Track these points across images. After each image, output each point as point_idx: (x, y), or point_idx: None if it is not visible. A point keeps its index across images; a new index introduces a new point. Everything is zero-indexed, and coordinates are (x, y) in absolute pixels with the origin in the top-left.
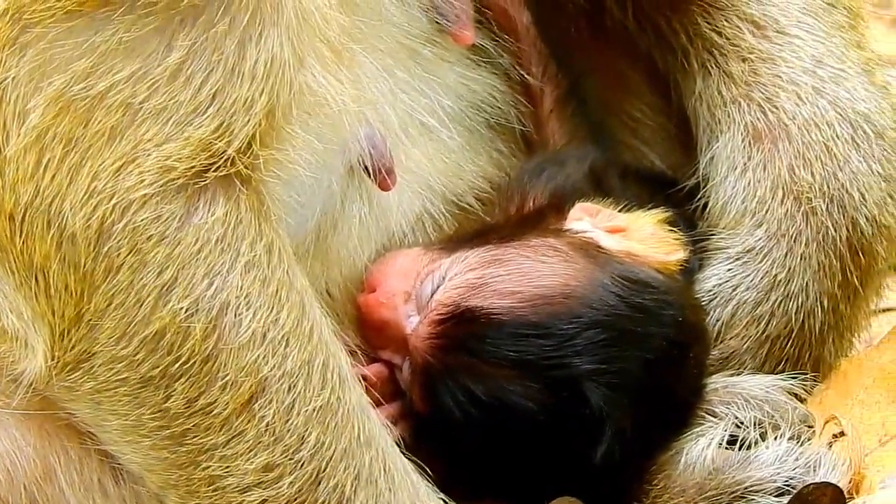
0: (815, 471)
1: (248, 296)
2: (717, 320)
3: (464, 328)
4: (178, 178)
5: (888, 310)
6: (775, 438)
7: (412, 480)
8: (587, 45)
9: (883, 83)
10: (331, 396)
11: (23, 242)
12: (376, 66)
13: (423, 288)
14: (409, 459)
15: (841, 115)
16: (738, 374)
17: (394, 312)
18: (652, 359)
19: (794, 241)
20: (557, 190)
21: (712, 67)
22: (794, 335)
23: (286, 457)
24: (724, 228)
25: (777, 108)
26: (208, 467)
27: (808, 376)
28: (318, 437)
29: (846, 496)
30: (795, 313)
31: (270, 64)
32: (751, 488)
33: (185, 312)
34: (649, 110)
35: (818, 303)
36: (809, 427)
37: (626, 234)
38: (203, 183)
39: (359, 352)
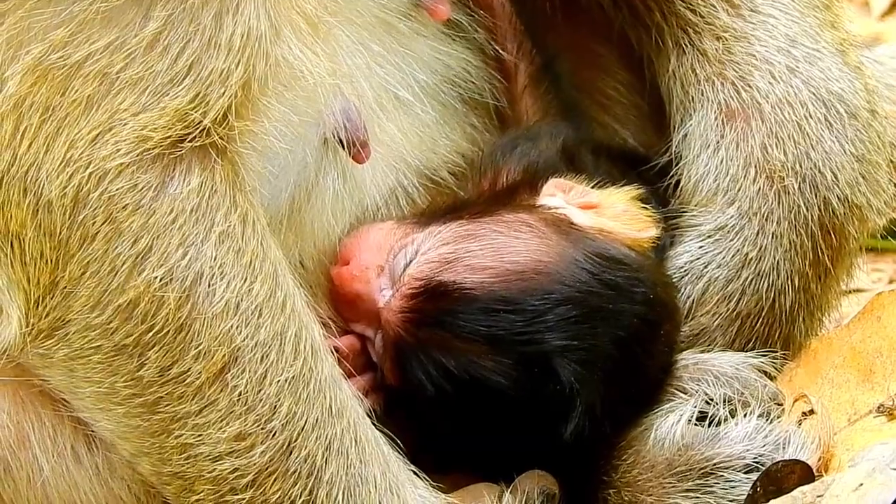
0: (784, 448)
1: (222, 266)
2: (688, 297)
3: (436, 302)
4: (154, 148)
5: (859, 290)
6: (745, 416)
7: (383, 452)
8: (562, 23)
9: (857, 63)
10: (303, 367)
11: None
12: (352, 39)
13: (395, 262)
14: (380, 431)
15: (814, 94)
16: (709, 352)
17: (366, 286)
18: (623, 336)
19: (766, 220)
20: (530, 166)
21: (686, 45)
22: (764, 313)
23: (258, 426)
24: (696, 206)
25: (751, 87)
26: (181, 435)
27: (778, 354)
28: (290, 407)
29: (815, 474)
30: (766, 291)
31: (247, 36)
32: (719, 465)
33: (160, 282)
34: (622, 88)
35: (789, 281)
36: (779, 405)
37: (599, 210)
38: (179, 153)
39: (331, 324)
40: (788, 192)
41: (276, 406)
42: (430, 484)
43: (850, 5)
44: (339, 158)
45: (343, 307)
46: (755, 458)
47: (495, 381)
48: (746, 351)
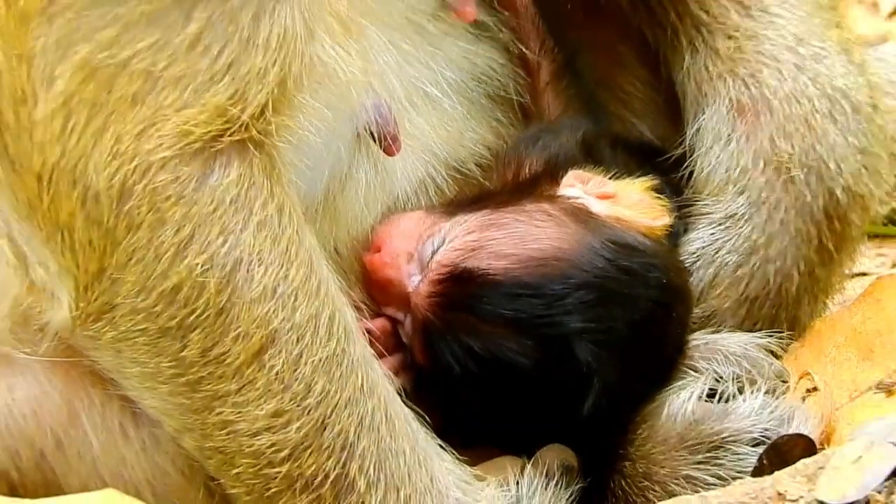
0: (788, 423)
1: (260, 253)
2: (700, 281)
3: (462, 287)
4: (196, 142)
5: (863, 274)
6: (752, 392)
7: (412, 428)
8: (582, 22)
9: (860, 61)
10: (336, 348)
11: (50, 201)
12: (383, 39)
13: (424, 249)
14: (409, 408)
15: (820, 90)
16: (719, 332)
17: (397, 271)
18: (638, 318)
19: (774, 209)
20: (552, 158)
21: (700, 44)
22: (771, 296)
23: (294, 403)
24: (708, 195)
25: (760, 84)
26: (221, 412)
27: (784, 335)
28: (324, 385)
29: (817, 447)
30: (774, 276)
31: (283, 36)
32: (728, 439)
33: (201, 268)
34: (640, 84)
35: (795, 266)
36: (784, 382)
37: (616, 200)
38: (219, 147)
39: (364, 307)
40: (795, 183)
41: (310, 385)
42: (457, 457)
43: (860, 6)
44: (371, 151)
45: (375, 292)
46: (762, 432)
47: (518, 361)
48: (754, 331)
